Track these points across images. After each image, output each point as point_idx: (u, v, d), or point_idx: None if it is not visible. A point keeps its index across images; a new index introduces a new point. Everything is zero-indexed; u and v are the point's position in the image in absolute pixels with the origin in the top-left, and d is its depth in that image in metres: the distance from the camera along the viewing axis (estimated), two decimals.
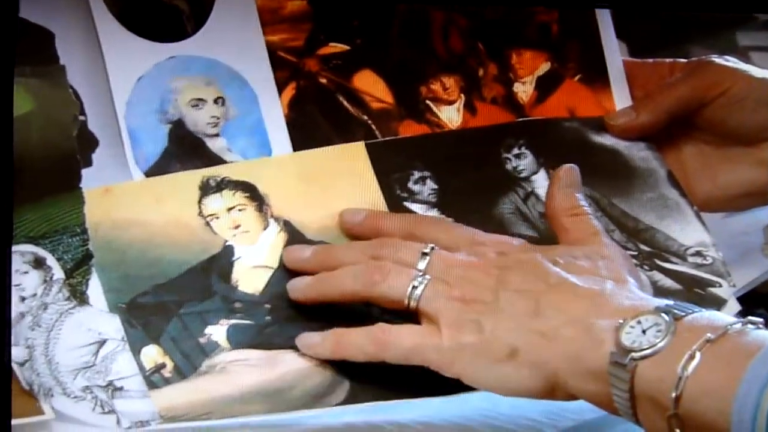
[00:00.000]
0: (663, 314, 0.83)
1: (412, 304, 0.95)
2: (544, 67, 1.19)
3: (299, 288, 1.01)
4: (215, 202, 1.06)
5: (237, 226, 1.06)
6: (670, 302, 0.86)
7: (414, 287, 0.94)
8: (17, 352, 0.95)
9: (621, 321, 0.85)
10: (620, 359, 0.83)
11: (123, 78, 1.08)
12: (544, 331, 0.90)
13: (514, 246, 1.00)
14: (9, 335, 0.91)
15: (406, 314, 0.97)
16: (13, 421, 0.91)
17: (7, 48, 0.93)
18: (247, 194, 1.07)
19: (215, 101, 1.10)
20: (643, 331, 0.83)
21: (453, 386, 0.95)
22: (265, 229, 1.06)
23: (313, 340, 0.98)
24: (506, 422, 0.98)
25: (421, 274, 0.96)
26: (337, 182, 1.10)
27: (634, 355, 0.82)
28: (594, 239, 0.99)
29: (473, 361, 0.92)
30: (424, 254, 0.97)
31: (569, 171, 1.05)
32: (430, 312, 0.94)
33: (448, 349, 0.92)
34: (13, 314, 0.97)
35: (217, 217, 1.06)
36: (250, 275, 1.04)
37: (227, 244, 1.05)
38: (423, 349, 0.93)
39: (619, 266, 0.96)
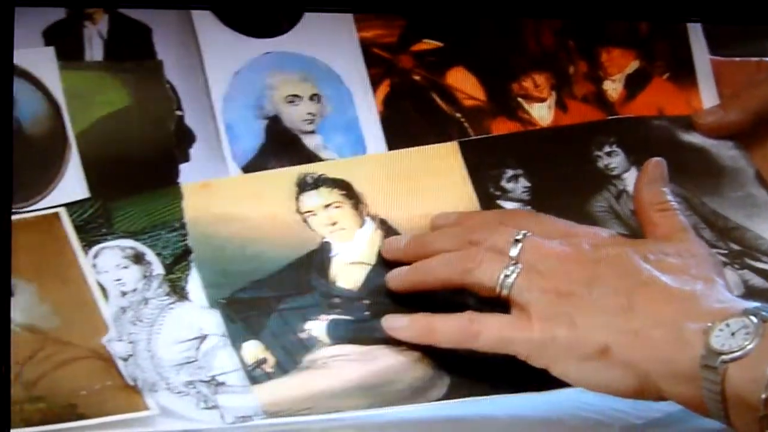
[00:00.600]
0: (751, 317, 0.80)
1: (504, 292, 0.90)
2: (633, 65, 1.14)
3: (396, 278, 0.96)
4: (312, 199, 1.01)
5: (334, 223, 1.01)
6: (758, 305, 0.82)
7: (506, 276, 0.89)
8: (120, 348, 0.90)
9: (710, 324, 0.81)
10: (710, 362, 0.80)
11: (220, 73, 1.03)
12: (636, 330, 0.86)
13: (605, 238, 0.94)
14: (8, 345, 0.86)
15: (499, 303, 0.92)
16: (119, 416, 0.87)
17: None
18: (343, 192, 1.02)
19: (311, 98, 1.05)
20: (732, 334, 0.80)
21: (550, 381, 0.91)
22: (361, 226, 1.01)
23: (400, 322, 0.93)
24: (594, 413, 0.92)
25: (513, 262, 0.91)
26: (431, 181, 1.05)
27: (724, 357, 0.79)
28: (682, 235, 0.95)
29: (563, 356, 0.87)
30: (517, 240, 0.92)
31: (657, 165, 1.01)
32: (521, 302, 0.89)
33: (538, 341, 0.88)
34: (114, 309, 0.94)
35: (315, 214, 1.01)
36: (348, 271, 0.99)
37: (324, 240, 1.00)
38: (512, 340, 0.89)
39: (708, 266, 0.91)
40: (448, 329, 0.91)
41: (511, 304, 0.91)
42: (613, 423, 0.91)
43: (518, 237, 0.92)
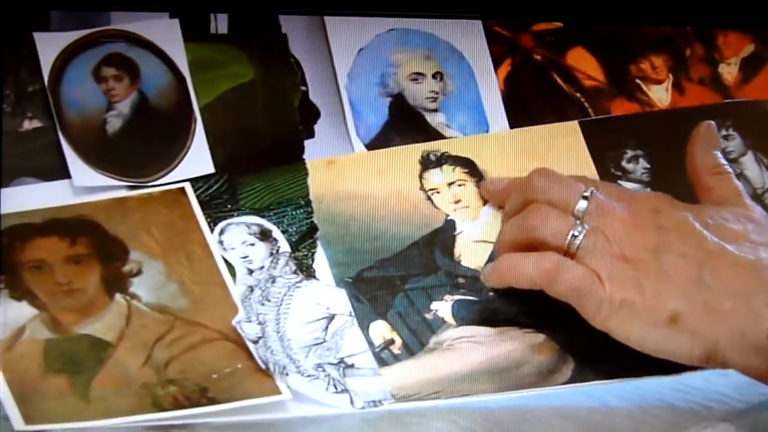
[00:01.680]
0: None
1: (572, 251, 0.81)
2: (748, 48, 1.03)
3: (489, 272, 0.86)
4: (436, 177, 0.91)
5: (458, 201, 0.91)
6: None
7: (574, 236, 0.81)
8: (250, 329, 0.81)
9: None
10: None
11: (344, 49, 0.94)
12: (707, 300, 0.78)
13: (664, 203, 0.84)
14: None
15: None
16: (254, 401, 0.78)
17: None
18: (466, 170, 0.92)
19: (434, 76, 0.95)
20: None
21: (674, 365, 0.81)
22: (485, 204, 0.91)
23: (487, 269, 0.85)
24: (700, 396, 0.84)
25: (579, 221, 0.81)
26: (554, 159, 0.94)
27: None
28: (738, 200, 0.86)
29: (631, 320, 0.79)
30: (584, 197, 0.82)
31: (708, 128, 0.91)
32: (590, 264, 0.80)
33: (608, 301, 0.79)
34: (242, 288, 0.84)
35: (438, 192, 0.91)
36: (472, 250, 0.89)
37: (449, 218, 0.90)
38: (586, 293, 0.80)
39: (766, 230, 0.82)
40: (530, 271, 0.82)
41: (578, 262, 0.81)
42: (716, 407, 0.83)
43: (586, 194, 0.83)
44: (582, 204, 0.83)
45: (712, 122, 0.92)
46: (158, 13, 0.92)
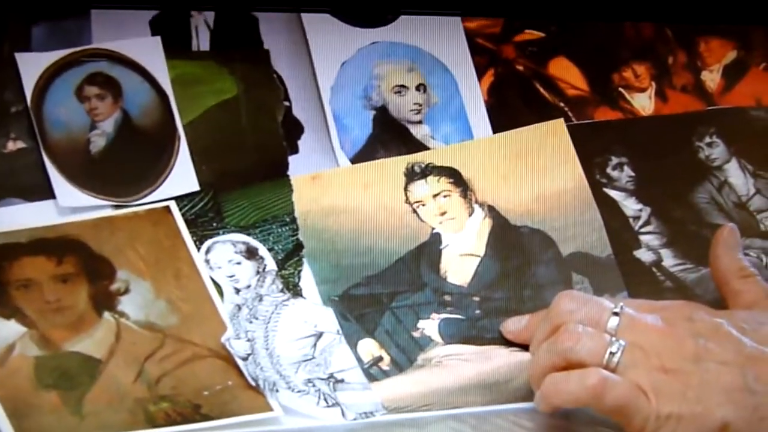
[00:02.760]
0: None
1: (611, 368, 0.77)
2: (731, 55, 1.04)
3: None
4: (421, 189, 0.92)
5: (443, 213, 0.91)
6: None
7: (611, 353, 0.77)
8: (239, 346, 0.81)
9: None
10: None
11: (327, 63, 0.94)
12: (756, 406, 0.77)
13: (696, 311, 0.82)
14: None
15: None
16: (245, 417, 0.78)
17: None
18: (451, 180, 0.92)
19: (417, 88, 0.96)
20: None
21: None
22: (470, 215, 0.91)
23: (536, 398, 0.80)
24: None
25: (615, 338, 0.79)
26: (540, 160, 0.95)
27: None
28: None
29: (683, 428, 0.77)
30: (615, 314, 0.79)
31: (731, 232, 0.89)
32: (632, 379, 0.78)
33: (655, 416, 0.77)
34: (230, 306, 0.84)
35: (423, 204, 0.91)
36: (458, 264, 0.89)
37: (434, 231, 0.91)
38: (634, 409, 0.77)
39: None
40: (576, 391, 0.78)
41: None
42: None
43: (616, 310, 0.80)
44: (614, 321, 0.80)
45: (734, 225, 0.90)
46: (138, 23, 0.91)
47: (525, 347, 0.84)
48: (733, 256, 0.87)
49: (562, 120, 0.96)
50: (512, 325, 0.86)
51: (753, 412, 0.76)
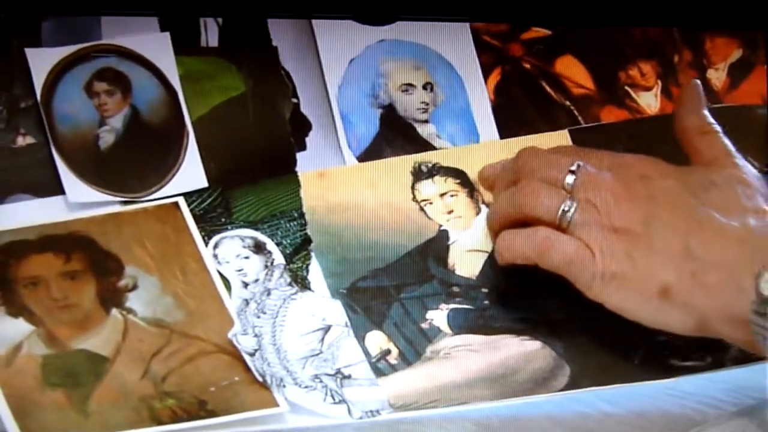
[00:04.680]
0: None
1: (563, 226, 0.80)
2: (736, 54, 1.03)
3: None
4: (428, 188, 0.91)
5: (450, 211, 0.90)
6: None
7: (564, 211, 0.80)
8: (246, 341, 0.80)
9: (761, 268, 0.74)
10: (761, 309, 0.73)
11: (335, 60, 0.93)
12: (695, 272, 0.77)
13: (655, 169, 0.83)
14: None
15: None
16: (252, 413, 0.77)
17: None
18: (458, 180, 0.92)
19: (424, 87, 0.94)
20: None
21: (671, 369, 0.83)
22: (477, 214, 0.91)
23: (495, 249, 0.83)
24: (693, 401, 0.83)
25: (569, 195, 0.81)
26: None
27: None
28: (728, 160, 0.84)
29: (622, 292, 0.79)
30: (571, 171, 0.81)
31: (694, 88, 0.89)
32: (582, 237, 0.80)
33: (599, 275, 0.79)
34: (238, 301, 0.83)
35: (431, 203, 0.90)
36: (466, 259, 0.88)
37: (442, 228, 0.90)
38: (579, 266, 0.79)
39: (757, 193, 0.82)
40: (524, 246, 0.81)
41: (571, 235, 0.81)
42: (709, 412, 0.82)
43: (572, 168, 0.82)
44: (570, 178, 0.82)
45: (697, 81, 0.90)
46: (147, 19, 0.91)
47: (532, 336, 0.85)
48: (696, 112, 0.87)
49: (566, 131, 0.96)
50: (486, 171, 0.88)
51: (691, 278, 0.77)
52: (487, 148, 0.94)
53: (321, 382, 0.80)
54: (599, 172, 0.82)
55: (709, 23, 1.02)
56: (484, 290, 0.88)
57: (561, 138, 0.96)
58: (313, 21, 0.93)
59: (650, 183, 0.82)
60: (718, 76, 1.02)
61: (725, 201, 0.81)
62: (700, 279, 0.78)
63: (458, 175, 0.92)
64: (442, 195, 0.91)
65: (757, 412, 0.81)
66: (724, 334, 0.78)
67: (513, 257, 0.83)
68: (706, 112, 0.88)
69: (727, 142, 0.86)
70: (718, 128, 0.87)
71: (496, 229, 0.85)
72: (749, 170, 0.84)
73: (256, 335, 0.81)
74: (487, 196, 0.91)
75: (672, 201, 0.81)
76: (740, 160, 0.85)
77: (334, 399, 0.79)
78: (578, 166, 0.82)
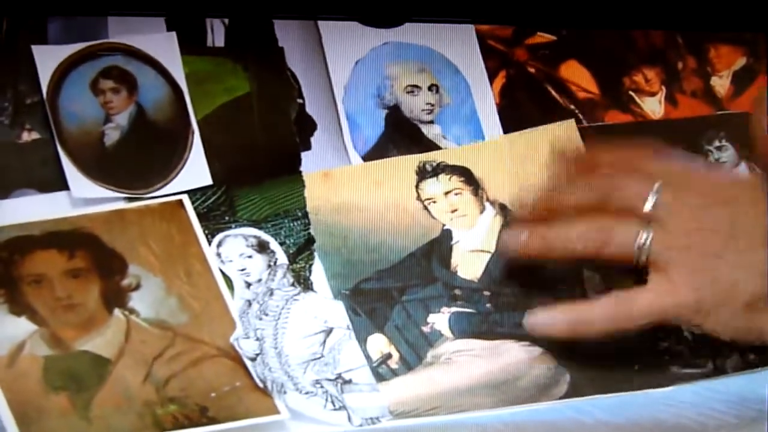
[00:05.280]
0: None
1: (642, 259, 0.79)
2: (740, 61, 1.02)
3: (519, 241, 0.84)
4: (432, 187, 0.90)
5: (454, 210, 0.90)
6: None
7: (640, 244, 0.79)
8: (248, 345, 0.80)
9: None
10: None
11: (341, 61, 0.92)
12: None
13: (736, 182, 0.83)
14: None
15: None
16: (253, 420, 0.77)
17: None
18: (462, 178, 0.91)
19: (429, 88, 0.94)
20: None
21: (671, 376, 0.83)
22: (481, 212, 0.90)
23: (545, 319, 0.82)
24: (692, 412, 0.83)
25: (646, 222, 0.79)
26: (551, 159, 0.92)
27: None
28: None
29: (714, 313, 0.78)
30: (652, 194, 0.80)
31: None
32: (660, 264, 0.79)
33: (685, 303, 0.78)
34: (240, 302, 0.82)
35: (435, 202, 0.90)
36: (469, 260, 0.88)
37: (445, 228, 0.89)
38: (663, 308, 0.79)
39: None
40: (597, 318, 0.80)
41: (651, 268, 0.80)
42: (708, 423, 0.82)
43: (653, 190, 0.80)
44: (649, 204, 0.81)
45: None
46: (154, 18, 0.90)
47: (534, 342, 0.84)
48: None
49: (572, 121, 0.95)
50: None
51: None
52: (492, 146, 0.93)
53: (322, 387, 0.79)
54: (680, 195, 0.81)
55: (710, 26, 1.01)
56: (486, 293, 0.87)
57: (567, 127, 0.95)
58: (319, 23, 0.92)
59: (729, 202, 0.81)
60: (722, 83, 1.02)
61: None
62: None
63: (463, 173, 0.91)
64: (446, 193, 0.90)
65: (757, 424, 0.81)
66: None
67: (586, 332, 0.81)
68: None
69: None
70: None
71: (551, 252, 0.83)
72: None
73: (258, 338, 0.80)
74: (491, 193, 0.91)
75: (749, 216, 0.80)
76: None
77: (334, 405, 0.79)
78: (658, 187, 0.81)
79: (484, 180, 0.91)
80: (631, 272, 0.81)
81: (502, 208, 0.91)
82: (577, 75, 0.98)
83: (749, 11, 1.00)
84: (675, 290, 0.78)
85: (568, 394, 0.83)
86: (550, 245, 0.83)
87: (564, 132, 0.94)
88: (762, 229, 0.78)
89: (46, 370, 0.76)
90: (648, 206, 0.80)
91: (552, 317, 0.81)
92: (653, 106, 0.99)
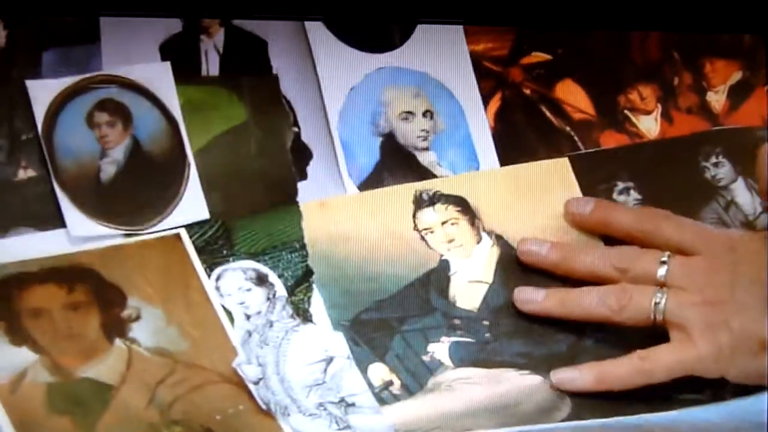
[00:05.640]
0: None
1: (659, 318, 0.84)
2: (736, 76, 1.03)
3: (534, 300, 0.88)
4: (429, 216, 0.91)
5: (451, 240, 0.91)
6: None
7: (656, 303, 0.83)
8: (250, 371, 0.82)
9: None
10: None
11: (335, 88, 0.93)
12: None
13: (742, 238, 0.86)
14: None
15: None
16: None
17: None
18: (459, 208, 0.92)
19: (424, 114, 0.95)
20: None
21: (670, 402, 0.84)
22: (478, 242, 0.91)
23: (571, 375, 0.85)
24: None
25: (660, 288, 0.84)
26: (544, 196, 0.94)
27: None
28: None
29: (734, 360, 0.81)
30: (662, 262, 0.85)
31: None
32: (677, 323, 0.83)
33: (706, 355, 0.82)
34: (241, 333, 0.84)
35: (432, 231, 0.91)
36: (467, 290, 0.89)
37: (443, 258, 0.90)
38: (684, 363, 0.82)
39: None
40: (622, 374, 0.84)
41: (668, 327, 0.84)
42: None
43: (663, 259, 0.85)
44: (662, 270, 0.85)
45: None
46: (148, 47, 0.91)
47: (534, 370, 0.85)
48: None
49: (566, 160, 0.96)
50: (576, 206, 0.91)
51: None
52: (488, 176, 0.95)
53: (325, 410, 0.81)
54: (689, 258, 0.85)
55: (703, 27, 1.02)
56: (485, 323, 0.88)
57: (561, 166, 0.96)
58: (313, 48, 0.93)
59: (736, 251, 0.85)
60: (717, 99, 1.03)
61: None
62: None
63: (459, 202, 0.92)
64: (443, 223, 0.92)
65: None
66: None
67: (616, 386, 0.85)
68: None
69: None
70: None
71: (565, 314, 0.87)
72: None
73: (260, 365, 0.82)
74: (488, 224, 0.92)
75: (755, 260, 0.83)
76: None
77: (338, 426, 0.81)
78: (668, 256, 0.85)
79: (480, 210, 0.93)
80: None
81: (499, 239, 0.92)
82: (572, 95, 0.99)
83: (747, 14, 1.01)
84: (692, 345, 0.82)
85: (568, 418, 0.84)
86: (569, 309, 0.87)
87: (557, 169, 0.95)
88: (759, 275, 0.82)
89: (49, 396, 0.77)
90: (661, 273, 0.84)
91: (578, 375, 0.85)
92: (649, 125, 1.00)
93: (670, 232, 0.87)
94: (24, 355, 0.80)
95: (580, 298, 0.86)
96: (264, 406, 0.80)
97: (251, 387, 0.81)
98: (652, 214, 0.90)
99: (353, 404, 0.82)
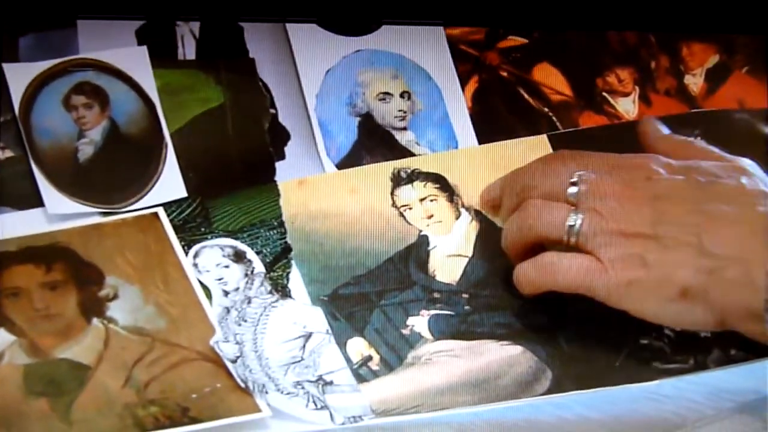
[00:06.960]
0: None
1: (572, 240, 0.81)
2: (713, 59, 1.04)
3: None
4: (407, 193, 0.93)
5: (430, 216, 0.92)
6: None
7: (570, 225, 0.81)
8: (228, 349, 0.82)
9: None
10: None
11: (312, 70, 0.95)
12: (712, 269, 0.78)
13: (658, 165, 0.84)
14: None
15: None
16: (235, 419, 0.79)
17: None
18: (437, 185, 0.93)
19: (401, 95, 0.96)
20: None
21: (646, 374, 0.84)
22: (457, 218, 0.92)
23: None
24: (671, 405, 0.84)
25: (573, 207, 0.82)
26: None
27: None
28: (718, 156, 0.85)
29: (643, 298, 0.79)
30: (573, 183, 0.82)
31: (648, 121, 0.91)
32: (591, 248, 0.80)
33: (615, 284, 0.79)
34: (218, 309, 0.85)
35: (410, 208, 0.92)
36: (447, 264, 0.90)
37: (422, 233, 0.91)
38: (591, 284, 0.80)
39: (760, 182, 0.82)
40: (531, 274, 0.83)
41: (582, 251, 0.82)
42: (688, 415, 0.83)
43: (573, 179, 0.82)
44: (572, 189, 0.83)
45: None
46: (125, 32, 0.93)
47: (514, 341, 0.86)
48: (666, 135, 0.89)
49: (545, 136, 0.97)
50: (487, 195, 0.89)
51: (709, 275, 0.78)
52: (467, 154, 0.96)
53: (303, 388, 0.81)
54: (602, 178, 0.83)
55: (703, 27, 1.04)
56: (465, 296, 0.89)
57: (540, 143, 0.97)
58: (290, 32, 0.95)
59: (656, 182, 0.83)
60: (695, 82, 1.04)
61: (731, 192, 0.81)
62: (717, 276, 0.78)
63: (437, 180, 0.94)
64: (421, 200, 0.93)
65: (758, 408, 0.83)
66: (743, 329, 0.79)
67: (532, 290, 0.84)
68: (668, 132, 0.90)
69: (704, 144, 0.88)
70: (688, 138, 0.89)
71: (513, 256, 0.86)
72: (745, 161, 0.85)
73: (237, 342, 0.82)
74: (466, 200, 0.93)
75: (677, 198, 0.81)
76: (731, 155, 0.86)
77: (316, 405, 0.81)
78: (579, 175, 0.83)
79: (459, 187, 0.94)
80: None
81: (478, 214, 0.93)
82: (550, 77, 1.01)
83: (729, 12, 1.03)
84: (603, 271, 0.80)
85: (549, 390, 0.84)
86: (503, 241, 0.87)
87: (535, 147, 0.96)
88: (684, 218, 0.80)
89: (26, 377, 0.78)
90: (571, 191, 0.82)
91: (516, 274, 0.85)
92: (627, 107, 1.01)
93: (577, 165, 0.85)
94: (1, 338, 0.81)
95: (505, 230, 0.86)
96: (242, 384, 0.80)
97: (229, 365, 0.81)
98: (553, 156, 0.89)
99: (330, 382, 0.82)
